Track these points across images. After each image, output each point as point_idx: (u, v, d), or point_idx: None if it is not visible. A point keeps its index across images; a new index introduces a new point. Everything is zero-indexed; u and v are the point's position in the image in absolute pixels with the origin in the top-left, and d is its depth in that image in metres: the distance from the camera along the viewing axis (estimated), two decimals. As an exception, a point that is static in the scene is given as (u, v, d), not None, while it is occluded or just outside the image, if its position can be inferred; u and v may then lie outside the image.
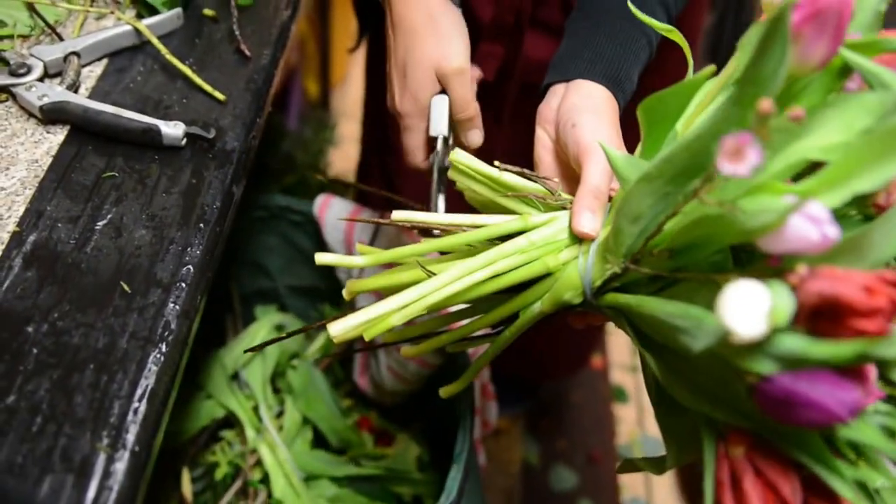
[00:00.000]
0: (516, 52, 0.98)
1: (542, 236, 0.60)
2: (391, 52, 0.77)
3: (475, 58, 1.00)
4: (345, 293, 0.65)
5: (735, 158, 0.41)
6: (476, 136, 0.77)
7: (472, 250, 0.64)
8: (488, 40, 0.98)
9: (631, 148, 0.62)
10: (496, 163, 0.63)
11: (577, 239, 0.60)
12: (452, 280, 0.59)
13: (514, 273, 0.60)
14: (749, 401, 0.46)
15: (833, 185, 0.44)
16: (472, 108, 0.76)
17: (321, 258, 0.63)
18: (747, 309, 0.40)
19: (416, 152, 0.77)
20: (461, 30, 0.76)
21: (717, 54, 1.71)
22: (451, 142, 0.78)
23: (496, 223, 0.62)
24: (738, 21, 1.65)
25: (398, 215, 0.62)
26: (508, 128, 1.05)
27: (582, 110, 0.65)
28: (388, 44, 0.78)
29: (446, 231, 0.63)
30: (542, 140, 0.69)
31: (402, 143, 0.78)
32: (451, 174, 0.67)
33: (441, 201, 0.77)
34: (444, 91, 0.76)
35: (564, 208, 0.63)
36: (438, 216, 0.63)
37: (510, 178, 0.65)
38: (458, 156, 0.65)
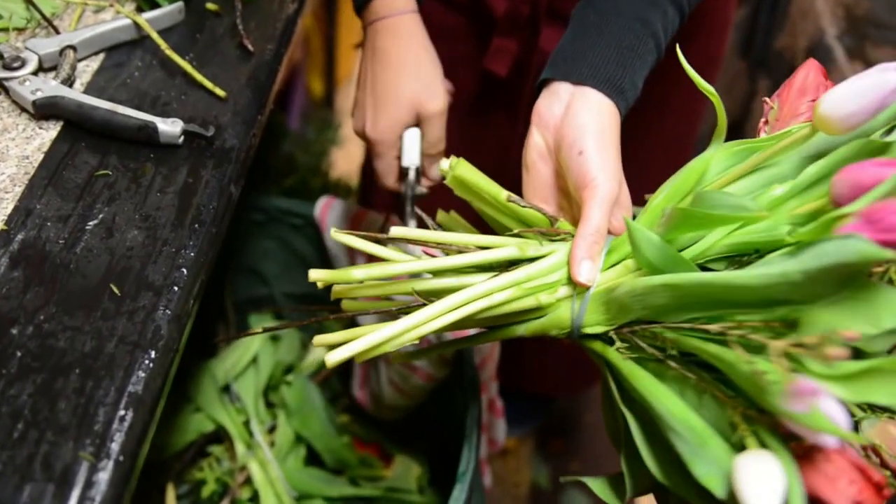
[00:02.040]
0: (532, 47, 0.99)
1: (538, 270, 0.63)
2: (366, 78, 0.83)
3: (488, 53, 1.01)
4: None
5: (798, 401, 0.46)
6: (437, 171, 0.86)
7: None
8: (502, 35, 0.99)
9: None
10: (505, 193, 0.66)
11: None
12: (448, 310, 0.61)
13: (506, 305, 0.63)
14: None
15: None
16: (442, 146, 0.84)
17: (315, 275, 0.64)
18: (765, 490, 0.46)
19: (388, 177, 0.86)
20: (438, 69, 0.83)
21: (751, 49, 1.70)
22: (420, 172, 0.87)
23: (492, 251, 0.64)
24: (772, 14, 1.65)
25: (396, 231, 0.64)
26: (523, 126, 1.06)
27: (589, 134, 0.66)
28: (363, 68, 0.84)
29: (441, 248, 0.66)
30: (536, 145, 0.70)
31: (375, 168, 0.86)
32: (450, 184, 0.69)
33: (412, 226, 0.84)
34: (416, 124, 0.83)
35: (564, 240, 0.65)
36: (436, 234, 0.65)
37: (516, 203, 0.67)
38: (462, 171, 0.66)
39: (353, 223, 1.12)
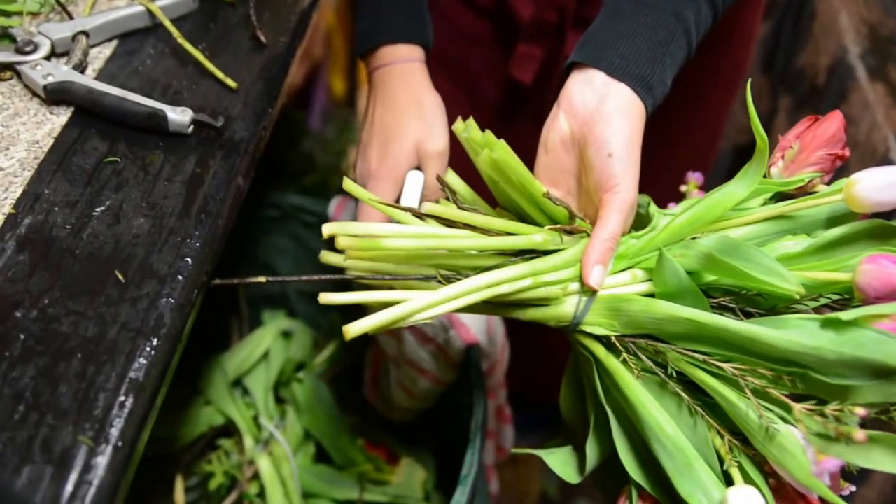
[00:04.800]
0: (557, 54, 0.99)
1: (552, 263, 0.65)
2: (372, 121, 0.84)
3: (512, 60, 1.01)
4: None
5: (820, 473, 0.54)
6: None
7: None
8: (527, 41, 0.99)
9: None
10: (545, 189, 0.66)
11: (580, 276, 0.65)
12: (470, 291, 0.62)
13: (513, 295, 0.64)
14: None
15: None
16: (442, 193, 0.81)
17: (326, 299, 0.62)
18: None
19: (374, 218, 0.81)
20: (443, 114, 0.83)
21: (773, 64, 1.69)
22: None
23: (519, 238, 0.65)
24: (795, 31, 1.64)
25: (430, 207, 0.65)
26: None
27: (620, 137, 0.67)
28: (368, 110, 0.85)
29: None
30: (561, 130, 0.70)
31: (363, 208, 0.82)
32: (484, 163, 0.68)
33: None
34: (418, 168, 0.83)
35: (579, 237, 0.67)
36: (467, 214, 0.66)
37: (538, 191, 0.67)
38: (503, 154, 0.65)
39: None
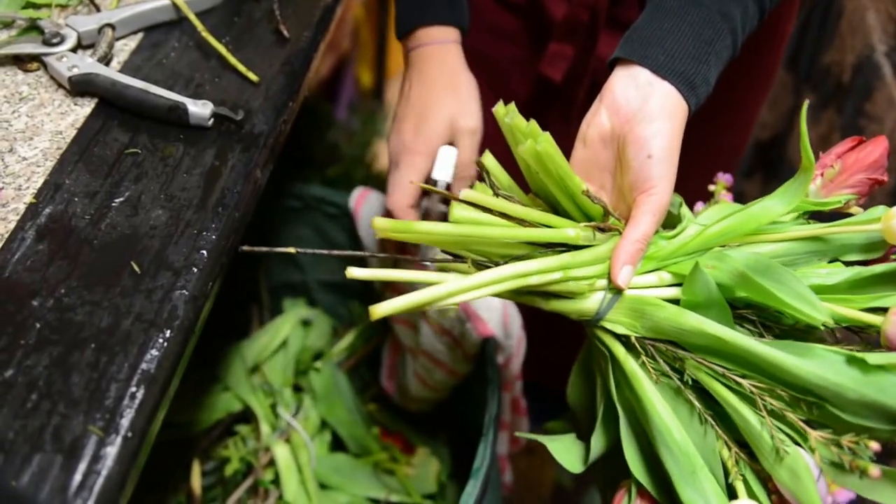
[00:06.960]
0: (588, 53, 0.97)
1: (582, 259, 0.64)
2: (405, 96, 0.86)
3: (543, 58, 0.99)
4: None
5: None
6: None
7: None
8: (559, 40, 0.97)
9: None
10: (585, 186, 0.66)
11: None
12: (489, 282, 0.62)
13: (540, 286, 0.63)
14: None
15: None
16: (473, 169, 0.84)
17: (353, 273, 0.62)
18: None
19: (405, 192, 0.84)
20: (476, 94, 0.85)
21: (798, 61, 1.65)
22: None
23: (553, 231, 0.65)
24: (823, 27, 1.60)
25: (468, 193, 0.65)
26: (576, 131, 1.04)
27: (661, 139, 0.65)
28: (404, 88, 0.86)
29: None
30: (601, 126, 0.68)
31: (394, 181, 0.85)
32: (525, 153, 0.67)
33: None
34: (451, 144, 0.84)
35: (611, 234, 0.66)
36: (504, 203, 0.66)
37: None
38: (548, 147, 0.64)
39: (386, 215, 1.11)
